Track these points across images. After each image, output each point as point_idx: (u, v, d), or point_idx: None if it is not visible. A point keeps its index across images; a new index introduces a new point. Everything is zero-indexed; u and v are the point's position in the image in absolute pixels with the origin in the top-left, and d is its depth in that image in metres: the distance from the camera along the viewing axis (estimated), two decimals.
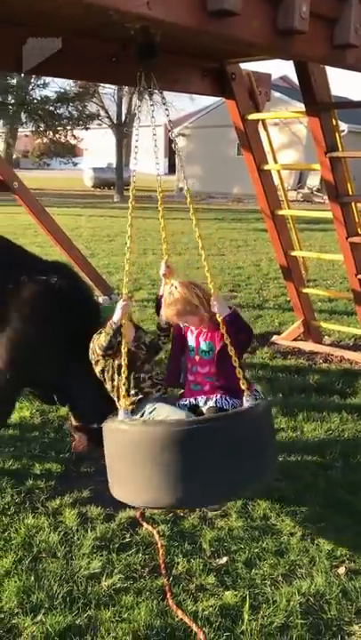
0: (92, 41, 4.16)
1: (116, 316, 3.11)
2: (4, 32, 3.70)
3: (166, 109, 3.65)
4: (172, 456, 2.63)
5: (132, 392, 3.25)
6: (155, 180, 3.48)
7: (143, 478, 2.72)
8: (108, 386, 3.33)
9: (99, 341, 3.21)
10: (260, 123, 5.61)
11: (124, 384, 2.96)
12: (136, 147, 3.23)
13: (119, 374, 3.09)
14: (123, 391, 2.98)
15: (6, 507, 3.33)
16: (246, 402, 2.87)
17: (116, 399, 3.24)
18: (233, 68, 5.12)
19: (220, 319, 2.97)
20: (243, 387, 2.87)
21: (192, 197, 3.22)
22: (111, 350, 3.17)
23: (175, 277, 3.40)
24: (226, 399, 3.09)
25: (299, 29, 2.94)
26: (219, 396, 3.11)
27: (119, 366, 3.09)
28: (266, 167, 5.61)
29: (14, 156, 31.47)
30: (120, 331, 3.11)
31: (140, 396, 3.27)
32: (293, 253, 5.97)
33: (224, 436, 2.70)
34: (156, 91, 3.54)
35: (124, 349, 2.96)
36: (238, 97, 5.24)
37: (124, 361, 2.94)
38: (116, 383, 3.22)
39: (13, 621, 2.54)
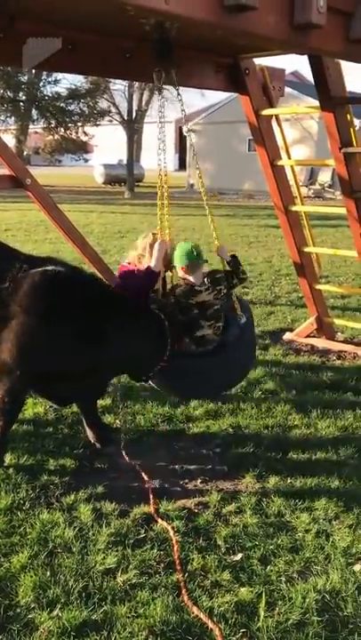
0: (106, 37, 4.16)
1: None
2: (20, 28, 3.70)
3: (182, 108, 3.71)
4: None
5: None
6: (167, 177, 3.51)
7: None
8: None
9: None
10: (274, 118, 5.58)
11: None
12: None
13: None
14: None
15: (21, 502, 3.35)
16: None
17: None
18: (247, 64, 5.09)
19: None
20: None
21: (206, 193, 3.70)
22: None
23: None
24: None
25: (316, 24, 2.92)
26: None
27: None
28: (279, 163, 5.59)
29: (25, 153, 31.51)
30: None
31: None
32: (307, 249, 5.95)
33: None
34: (170, 87, 3.56)
35: None
36: (252, 92, 5.21)
37: None
38: None
39: (30, 616, 2.56)
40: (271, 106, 5.43)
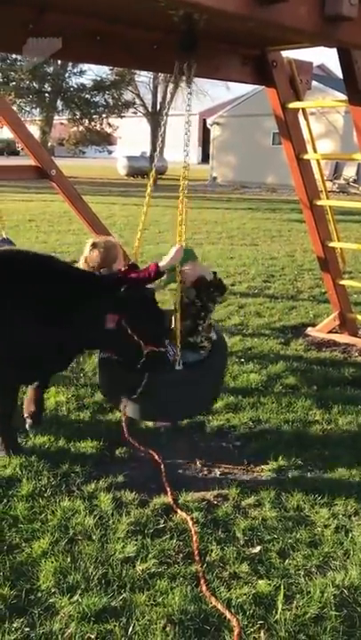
0: (134, 28, 4.16)
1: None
2: (49, 19, 3.72)
3: (188, 98, 3.69)
4: None
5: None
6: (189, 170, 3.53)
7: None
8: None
9: None
10: (301, 111, 5.54)
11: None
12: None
13: None
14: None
15: (43, 489, 3.39)
16: None
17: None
18: (274, 56, 5.06)
19: None
20: None
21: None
22: None
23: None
24: None
25: (347, 16, 2.89)
26: None
27: None
28: (305, 156, 5.55)
29: (49, 144, 31.65)
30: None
31: None
32: (331, 244, 5.90)
33: None
34: (194, 79, 3.56)
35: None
36: (279, 85, 5.18)
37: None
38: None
39: (50, 600, 2.60)
40: (298, 99, 5.39)
